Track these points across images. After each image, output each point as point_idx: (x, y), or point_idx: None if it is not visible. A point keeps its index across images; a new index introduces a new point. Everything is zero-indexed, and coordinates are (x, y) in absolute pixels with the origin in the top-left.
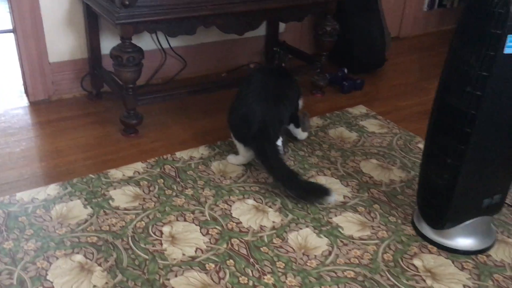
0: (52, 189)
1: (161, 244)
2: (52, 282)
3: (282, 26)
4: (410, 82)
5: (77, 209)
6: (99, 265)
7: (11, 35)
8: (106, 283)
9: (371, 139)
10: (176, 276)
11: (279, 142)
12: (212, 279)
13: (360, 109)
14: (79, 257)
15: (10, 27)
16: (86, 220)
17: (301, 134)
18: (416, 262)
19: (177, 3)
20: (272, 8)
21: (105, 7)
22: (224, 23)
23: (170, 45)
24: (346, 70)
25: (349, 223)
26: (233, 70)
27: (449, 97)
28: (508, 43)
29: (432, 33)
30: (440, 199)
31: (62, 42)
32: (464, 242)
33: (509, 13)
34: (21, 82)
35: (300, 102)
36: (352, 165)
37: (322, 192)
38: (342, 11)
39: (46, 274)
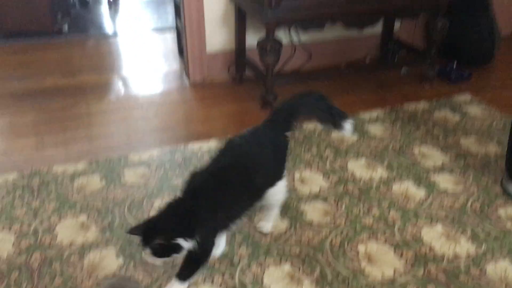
0: (213, 143)
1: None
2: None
3: (396, 24)
4: None
5: None
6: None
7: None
8: None
9: (473, 121)
10: None
11: None
12: None
13: (465, 97)
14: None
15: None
16: None
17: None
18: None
19: (310, 4)
20: (389, 7)
21: (255, 8)
22: (348, 19)
23: (299, 41)
24: (455, 64)
25: None
26: (351, 62)
27: None
28: None
29: None
30: None
31: (217, 37)
32: None
33: None
34: (179, 68)
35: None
36: (451, 141)
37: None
38: (452, 9)
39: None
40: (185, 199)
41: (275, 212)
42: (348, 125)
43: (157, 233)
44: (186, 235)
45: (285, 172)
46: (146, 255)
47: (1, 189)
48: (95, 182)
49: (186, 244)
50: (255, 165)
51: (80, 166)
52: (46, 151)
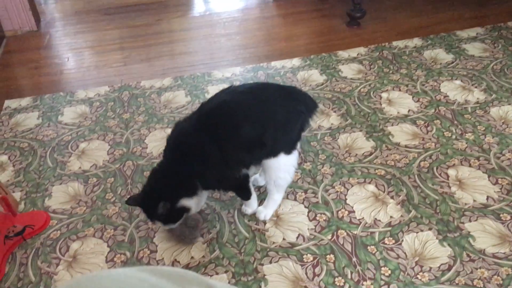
0: (296, 61)
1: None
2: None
3: None
4: None
5: (315, 76)
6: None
7: None
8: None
9: None
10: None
11: None
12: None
13: None
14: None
15: None
16: (323, 83)
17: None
18: None
19: None
20: None
21: None
22: None
23: None
24: None
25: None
26: None
27: None
28: None
29: None
30: None
31: None
32: None
33: None
34: None
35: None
36: None
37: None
38: None
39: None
40: (174, 160)
41: (274, 198)
42: None
43: (158, 199)
44: (189, 193)
45: (295, 152)
46: (158, 224)
47: (95, 102)
48: (180, 97)
49: (192, 202)
50: (243, 113)
51: (166, 81)
52: (133, 66)
